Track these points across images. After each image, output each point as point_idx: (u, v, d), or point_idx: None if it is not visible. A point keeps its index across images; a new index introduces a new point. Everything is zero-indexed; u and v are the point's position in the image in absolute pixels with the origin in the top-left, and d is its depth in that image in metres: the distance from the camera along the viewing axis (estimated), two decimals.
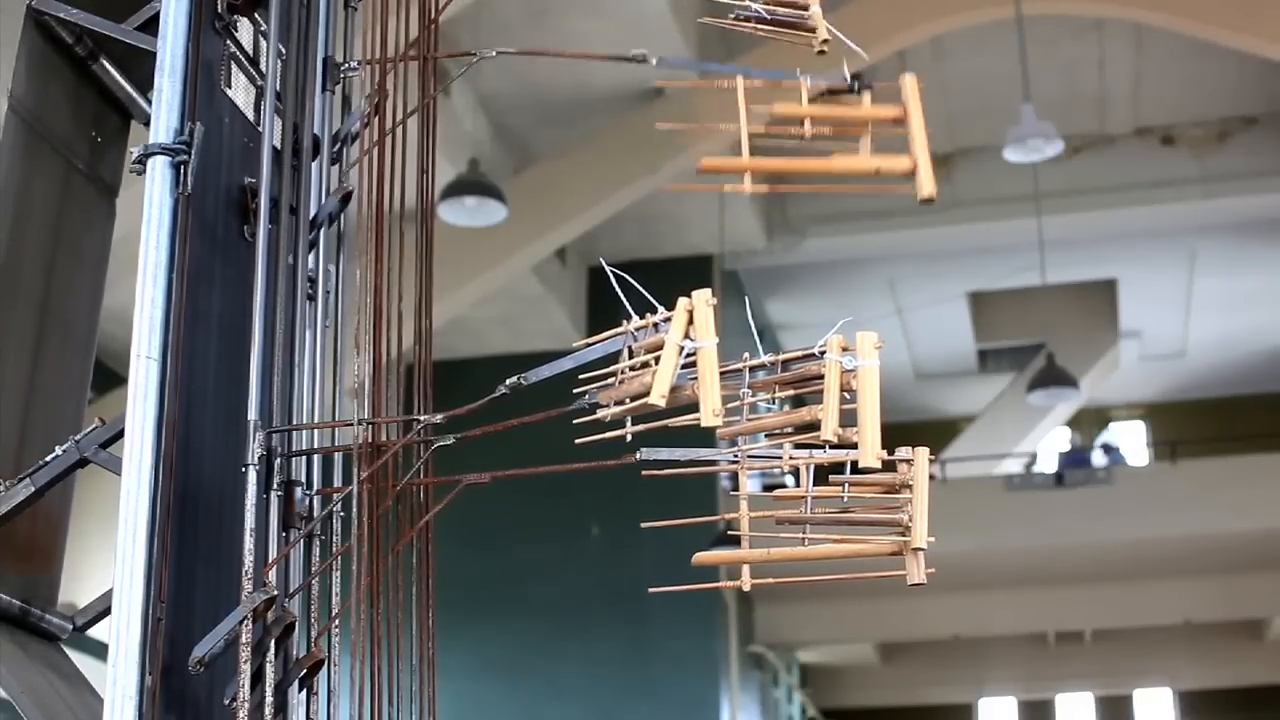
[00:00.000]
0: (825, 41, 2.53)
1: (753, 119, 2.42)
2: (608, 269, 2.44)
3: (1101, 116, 18.14)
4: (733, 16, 2.65)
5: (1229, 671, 23.53)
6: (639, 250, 18.00)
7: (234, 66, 2.83)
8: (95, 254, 2.98)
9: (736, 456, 2.30)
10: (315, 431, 2.69)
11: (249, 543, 2.46)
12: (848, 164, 2.37)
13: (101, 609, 2.69)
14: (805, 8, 2.60)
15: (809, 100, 2.43)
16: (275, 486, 2.57)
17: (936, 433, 22.48)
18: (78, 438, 2.64)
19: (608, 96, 15.61)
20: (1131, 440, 25.42)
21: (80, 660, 2.84)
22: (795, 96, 2.43)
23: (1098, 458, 21.93)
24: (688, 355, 2.27)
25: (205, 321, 2.62)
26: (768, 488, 9.14)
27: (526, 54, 3.06)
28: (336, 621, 2.59)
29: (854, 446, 2.20)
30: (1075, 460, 21.59)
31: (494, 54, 2.95)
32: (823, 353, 2.23)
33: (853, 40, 2.42)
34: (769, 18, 2.59)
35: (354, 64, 2.95)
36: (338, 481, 2.70)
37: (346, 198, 2.79)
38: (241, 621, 2.37)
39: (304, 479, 2.65)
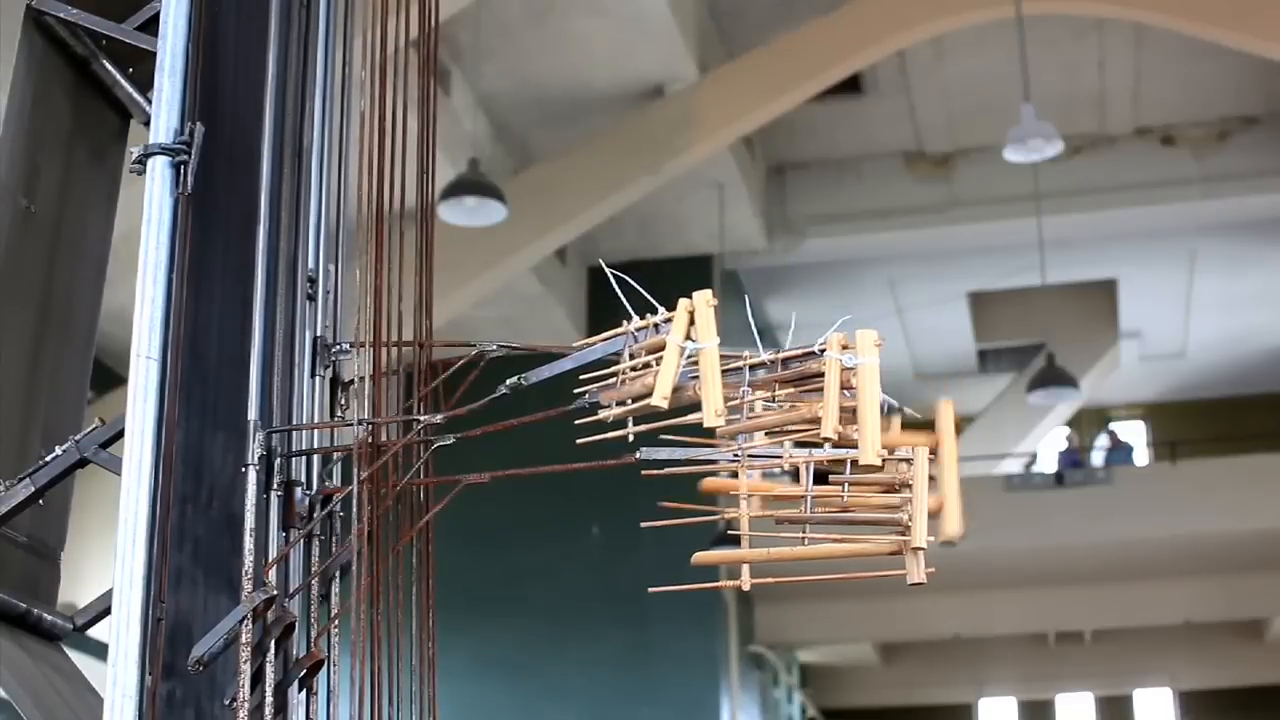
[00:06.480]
0: (853, 378, 2.40)
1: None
2: (607, 270, 2.44)
3: (1101, 116, 18.13)
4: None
5: (1229, 671, 23.52)
6: (639, 250, 17.99)
7: None
8: (96, 253, 2.98)
9: (736, 455, 2.29)
10: (315, 431, 2.69)
11: (249, 543, 2.46)
12: (866, 501, 2.28)
13: (101, 609, 2.69)
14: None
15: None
16: (275, 486, 2.57)
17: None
18: (78, 438, 2.64)
19: (608, 96, 15.59)
20: (1132, 440, 25.40)
21: (80, 660, 2.84)
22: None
23: (1100, 455, 21.88)
24: (688, 356, 2.26)
25: None
26: None
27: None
28: (336, 621, 2.59)
29: (854, 445, 2.20)
30: (1075, 460, 21.58)
31: None
32: (823, 350, 2.23)
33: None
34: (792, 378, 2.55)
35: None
36: (338, 481, 2.69)
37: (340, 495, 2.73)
38: (241, 621, 2.37)
39: (304, 479, 2.65)
